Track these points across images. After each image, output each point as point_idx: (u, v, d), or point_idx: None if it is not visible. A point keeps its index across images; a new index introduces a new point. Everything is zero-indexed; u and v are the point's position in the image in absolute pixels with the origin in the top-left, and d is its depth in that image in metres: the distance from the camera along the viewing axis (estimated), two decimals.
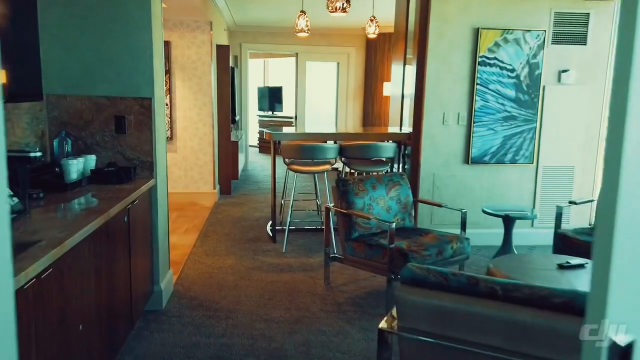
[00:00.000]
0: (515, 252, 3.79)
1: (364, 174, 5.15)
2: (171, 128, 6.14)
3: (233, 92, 7.04)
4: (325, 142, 4.76)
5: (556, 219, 3.68)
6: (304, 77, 8.88)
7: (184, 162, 6.27)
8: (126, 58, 2.98)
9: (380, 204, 3.56)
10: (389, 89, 8.42)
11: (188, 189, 6.33)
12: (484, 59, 4.38)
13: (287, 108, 11.82)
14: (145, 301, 3.02)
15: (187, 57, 6.08)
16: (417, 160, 4.55)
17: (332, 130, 5.29)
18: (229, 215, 5.67)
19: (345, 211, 3.39)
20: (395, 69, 5.25)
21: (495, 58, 4.40)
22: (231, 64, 7.43)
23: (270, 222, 4.85)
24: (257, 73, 12.58)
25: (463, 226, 3.52)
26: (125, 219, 2.52)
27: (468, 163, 4.53)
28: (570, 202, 3.95)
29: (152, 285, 3.14)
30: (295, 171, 4.46)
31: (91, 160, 2.88)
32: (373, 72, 8.68)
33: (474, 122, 4.46)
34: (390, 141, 4.77)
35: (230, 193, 6.80)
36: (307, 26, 4.85)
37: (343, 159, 4.71)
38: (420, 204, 4.26)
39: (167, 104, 6.07)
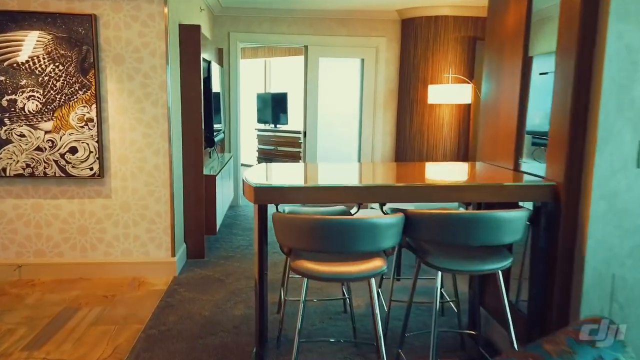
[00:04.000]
0: None
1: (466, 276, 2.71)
2: (100, 159, 3.71)
3: (209, 99, 4.62)
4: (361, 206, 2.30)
5: None
6: (315, 79, 6.45)
7: (123, 215, 3.84)
8: None
9: None
10: (448, 94, 5.91)
11: (130, 258, 3.89)
12: None
13: (294, 120, 9.41)
14: None
15: (125, 42, 3.67)
16: (572, 243, 2.08)
17: (383, 179, 2.77)
18: (188, 315, 3.21)
19: None
20: (496, 67, 2.78)
21: None
22: (211, 58, 5.02)
23: (255, 350, 2.39)
24: (257, 76, 10.20)
25: None
26: None
27: None
28: None
29: None
30: (308, 275, 1.98)
31: None
32: (412, 71, 6.23)
33: None
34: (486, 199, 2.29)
35: (204, 256, 4.35)
36: None
37: (408, 240, 2.22)
38: None
39: (91, 120, 3.65)
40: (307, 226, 1.86)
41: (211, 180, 4.39)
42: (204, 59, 4.45)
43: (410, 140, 6.32)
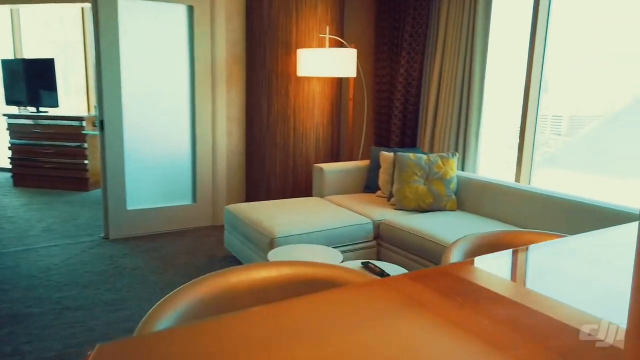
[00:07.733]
0: None
1: None
2: None
3: None
4: None
5: None
6: (114, 35, 3.93)
7: None
8: None
9: None
10: (328, 63, 3.98)
11: None
12: None
13: (69, 101, 6.43)
14: None
15: None
16: None
17: None
18: None
19: None
20: None
21: None
22: None
23: None
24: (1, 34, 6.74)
25: None
26: None
27: None
28: None
29: None
30: None
31: None
32: (269, 29, 4.27)
33: None
34: None
35: None
36: None
37: None
38: None
39: None
40: None
41: None
42: None
43: (269, 129, 4.40)
